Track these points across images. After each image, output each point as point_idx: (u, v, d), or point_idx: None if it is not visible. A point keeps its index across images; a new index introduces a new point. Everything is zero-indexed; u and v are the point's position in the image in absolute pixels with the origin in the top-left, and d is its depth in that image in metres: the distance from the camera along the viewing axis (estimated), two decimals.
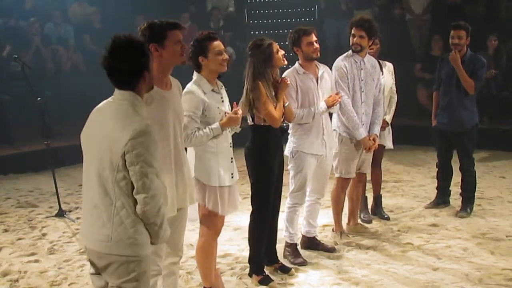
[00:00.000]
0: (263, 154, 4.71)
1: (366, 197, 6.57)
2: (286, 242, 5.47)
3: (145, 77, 3.08)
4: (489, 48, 9.77)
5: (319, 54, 5.29)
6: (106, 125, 3.04)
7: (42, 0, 11.32)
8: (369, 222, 6.38)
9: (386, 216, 6.50)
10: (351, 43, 5.62)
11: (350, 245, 5.76)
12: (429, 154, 9.39)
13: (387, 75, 6.25)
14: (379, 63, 6.11)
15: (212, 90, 4.33)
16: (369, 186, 6.77)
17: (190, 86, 4.29)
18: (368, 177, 6.60)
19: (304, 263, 5.33)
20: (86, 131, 3.18)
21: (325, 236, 5.99)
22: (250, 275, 5.05)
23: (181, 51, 3.79)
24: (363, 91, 5.61)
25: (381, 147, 6.33)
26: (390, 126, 6.38)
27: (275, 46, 4.87)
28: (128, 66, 3.04)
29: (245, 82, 4.80)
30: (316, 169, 5.36)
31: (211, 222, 4.46)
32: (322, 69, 5.39)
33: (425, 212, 6.73)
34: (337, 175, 5.80)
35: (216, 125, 4.29)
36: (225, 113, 4.38)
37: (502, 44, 10.12)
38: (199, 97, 4.24)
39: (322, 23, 12.02)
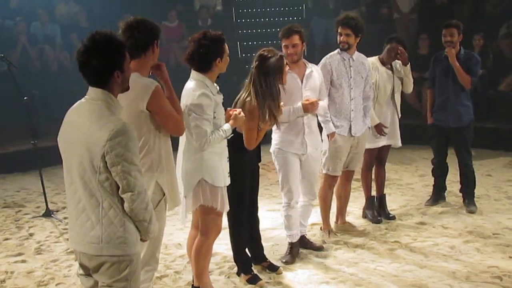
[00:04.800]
0: (236, 155, 4.63)
1: (373, 197, 6.58)
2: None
3: (116, 76, 3.04)
4: (475, 48, 9.83)
5: (293, 59, 5.21)
6: (82, 126, 3.01)
7: None
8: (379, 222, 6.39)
9: (391, 216, 6.50)
10: (338, 42, 5.66)
11: (338, 244, 5.78)
12: (416, 153, 9.45)
13: (396, 74, 6.31)
14: (390, 65, 6.25)
15: (217, 91, 4.35)
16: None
17: (199, 87, 4.21)
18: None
19: (289, 262, 5.33)
20: (63, 134, 3.14)
21: (314, 235, 6.00)
22: (238, 274, 5.05)
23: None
24: (352, 88, 5.64)
25: (387, 147, 6.42)
26: (398, 126, 6.41)
27: (285, 60, 4.83)
28: (99, 63, 3.00)
29: (244, 92, 4.75)
30: (302, 169, 5.35)
31: (215, 222, 4.46)
32: (310, 68, 5.34)
33: (413, 211, 6.77)
34: (324, 171, 5.82)
35: (227, 126, 4.32)
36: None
37: (488, 44, 10.19)
38: (213, 99, 4.23)
39: (309, 22, 12.04)
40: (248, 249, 5.11)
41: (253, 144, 4.73)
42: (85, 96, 3.11)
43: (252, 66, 4.80)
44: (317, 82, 5.34)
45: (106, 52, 3.00)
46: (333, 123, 5.59)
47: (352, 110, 5.67)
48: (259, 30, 12.13)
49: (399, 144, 6.46)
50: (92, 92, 3.07)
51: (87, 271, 3.17)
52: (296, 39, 5.21)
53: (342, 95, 5.62)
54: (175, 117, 3.80)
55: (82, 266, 3.19)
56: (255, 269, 5.07)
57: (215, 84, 4.36)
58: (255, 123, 4.68)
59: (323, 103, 5.35)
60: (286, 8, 12.49)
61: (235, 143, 4.56)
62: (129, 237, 3.06)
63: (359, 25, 5.60)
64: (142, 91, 3.67)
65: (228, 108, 4.51)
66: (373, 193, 6.57)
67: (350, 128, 5.67)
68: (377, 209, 6.54)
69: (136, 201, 3.00)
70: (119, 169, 2.94)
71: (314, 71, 5.35)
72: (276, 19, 12.15)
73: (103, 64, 3.01)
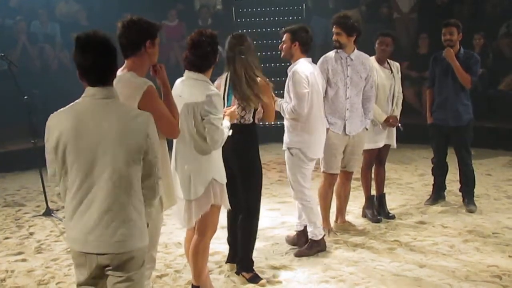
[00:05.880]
0: (256, 152, 4.81)
1: (373, 196, 6.59)
2: None
3: (116, 72, 3.14)
4: (475, 47, 9.84)
5: (284, 57, 5.41)
6: (108, 125, 3.00)
7: None
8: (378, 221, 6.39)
9: (391, 215, 6.51)
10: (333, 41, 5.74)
11: (338, 243, 5.78)
12: (416, 152, 9.47)
13: (396, 75, 6.33)
14: (388, 63, 6.26)
15: None
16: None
17: (208, 88, 4.23)
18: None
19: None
20: (75, 140, 3.00)
21: None
22: (237, 273, 5.05)
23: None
24: (348, 87, 5.65)
25: (387, 147, 6.43)
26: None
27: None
28: (108, 62, 3.05)
29: (236, 81, 4.70)
30: None
31: (213, 221, 4.47)
32: (290, 70, 5.34)
33: (412, 210, 6.77)
34: (322, 169, 5.85)
35: (227, 123, 4.37)
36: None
37: (488, 43, 10.20)
38: (222, 97, 4.29)
39: (309, 21, 12.05)
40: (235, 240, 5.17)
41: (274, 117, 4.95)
42: (87, 97, 3.07)
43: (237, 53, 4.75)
44: (288, 86, 5.35)
45: (111, 51, 3.06)
46: (327, 120, 5.62)
47: (348, 109, 5.67)
48: (259, 30, 12.11)
49: (395, 145, 6.47)
50: (102, 91, 3.05)
51: (99, 273, 3.09)
52: (284, 36, 5.36)
53: (337, 94, 5.64)
54: (168, 119, 3.76)
55: (94, 268, 3.08)
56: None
57: None
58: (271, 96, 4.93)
59: (279, 103, 5.32)
60: (286, 8, 12.49)
61: (255, 139, 4.79)
62: (144, 227, 3.14)
63: (349, 24, 5.59)
64: (134, 90, 3.64)
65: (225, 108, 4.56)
66: (373, 192, 6.57)
67: (344, 127, 5.69)
68: (376, 209, 6.54)
69: (159, 183, 3.20)
70: (152, 156, 3.09)
71: (290, 73, 5.31)
72: (276, 18, 12.16)
73: (110, 63, 3.06)
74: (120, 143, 2.99)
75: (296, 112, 5.21)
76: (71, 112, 3.08)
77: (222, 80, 4.85)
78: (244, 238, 4.99)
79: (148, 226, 3.23)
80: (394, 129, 6.40)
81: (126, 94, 3.55)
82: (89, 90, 3.08)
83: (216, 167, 4.32)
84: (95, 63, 3.02)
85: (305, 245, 5.52)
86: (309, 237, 5.50)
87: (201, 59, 4.29)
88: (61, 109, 3.14)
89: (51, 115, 3.13)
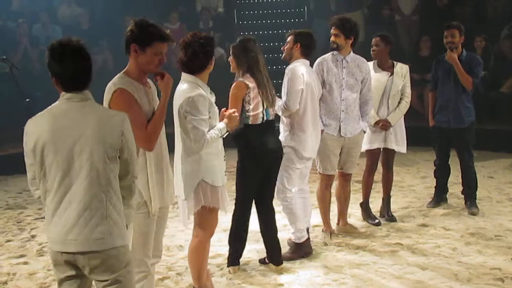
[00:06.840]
0: None
1: (367, 201, 6.55)
2: None
3: (91, 77, 3.18)
4: (476, 49, 9.83)
5: (284, 58, 5.48)
6: (85, 125, 3.03)
7: (29, 1, 11.27)
8: (378, 224, 6.37)
9: (393, 217, 6.49)
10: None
11: (340, 245, 5.77)
12: (418, 155, 9.45)
13: (395, 76, 6.29)
14: (393, 65, 6.26)
15: (210, 91, 4.37)
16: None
17: (193, 89, 4.22)
18: (378, 179, 6.61)
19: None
20: (53, 141, 3.03)
21: (315, 236, 5.98)
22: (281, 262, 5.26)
23: (158, 63, 3.75)
24: (343, 89, 5.65)
25: (392, 151, 6.40)
26: (404, 130, 6.41)
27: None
28: (84, 69, 3.09)
29: (266, 82, 4.93)
30: None
31: (209, 222, 4.47)
32: (288, 68, 5.42)
33: (414, 212, 6.76)
34: (318, 170, 5.87)
35: (222, 125, 4.35)
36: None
37: (490, 45, 10.20)
38: (208, 99, 4.26)
39: (311, 23, 12.06)
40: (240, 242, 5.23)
41: None
42: (65, 100, 3.11)
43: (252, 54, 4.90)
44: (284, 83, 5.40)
45: (84, 59, 3.09)
46: (322, 122, 5.63)
47: (343, 110, 5.67)
48: (260, 32, 12.11)
49: (402, 150, 6.43)
50: (78, 94, 3.10)
51: (79, 272, 3.11)
52: (289, 38, 5.46)
53: (332, 95, 5.64)
54: (138, 128, 3.52)
55: (72, 268, 3.11)
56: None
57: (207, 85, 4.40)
58: None
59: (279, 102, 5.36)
60: (288, 10, 12.50)
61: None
62: (124, 226, 3.15)
63: (347, 26, 5.61)
64: (106, 92, 3.66)
65: (223, 109, 4.55)
66: (377, 194, 6.54)
67: (339, 129, 5.68)
68: (381, 210, 6.54)
69: (135, 182, 3.25)
70: (129, 155, 3.13)
71: (287, 71, 5.36)
72: (278, 21, 12.17)
73: (86, 70, 3.10)
74: (97, 141, 3.02)
75: (288, 108, 5.24)
76: (48, 115, 3.13)
77: (253, 84, 4.89)
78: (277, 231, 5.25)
79: (127, 227, 3.21)
80: (403, 134, 6.38)
81: (105, 93, 3.59)
82: (66, 94, 3.11)
83: (206, 169, 4.30)
84: (71, 71, 3.05)
85: (288, 249, 5.52)
86: (293, 239, 5.50)
87: (191, 59, 4.27)
88: (39, 113, 3.17)
89: (29, 120, 3.18)
